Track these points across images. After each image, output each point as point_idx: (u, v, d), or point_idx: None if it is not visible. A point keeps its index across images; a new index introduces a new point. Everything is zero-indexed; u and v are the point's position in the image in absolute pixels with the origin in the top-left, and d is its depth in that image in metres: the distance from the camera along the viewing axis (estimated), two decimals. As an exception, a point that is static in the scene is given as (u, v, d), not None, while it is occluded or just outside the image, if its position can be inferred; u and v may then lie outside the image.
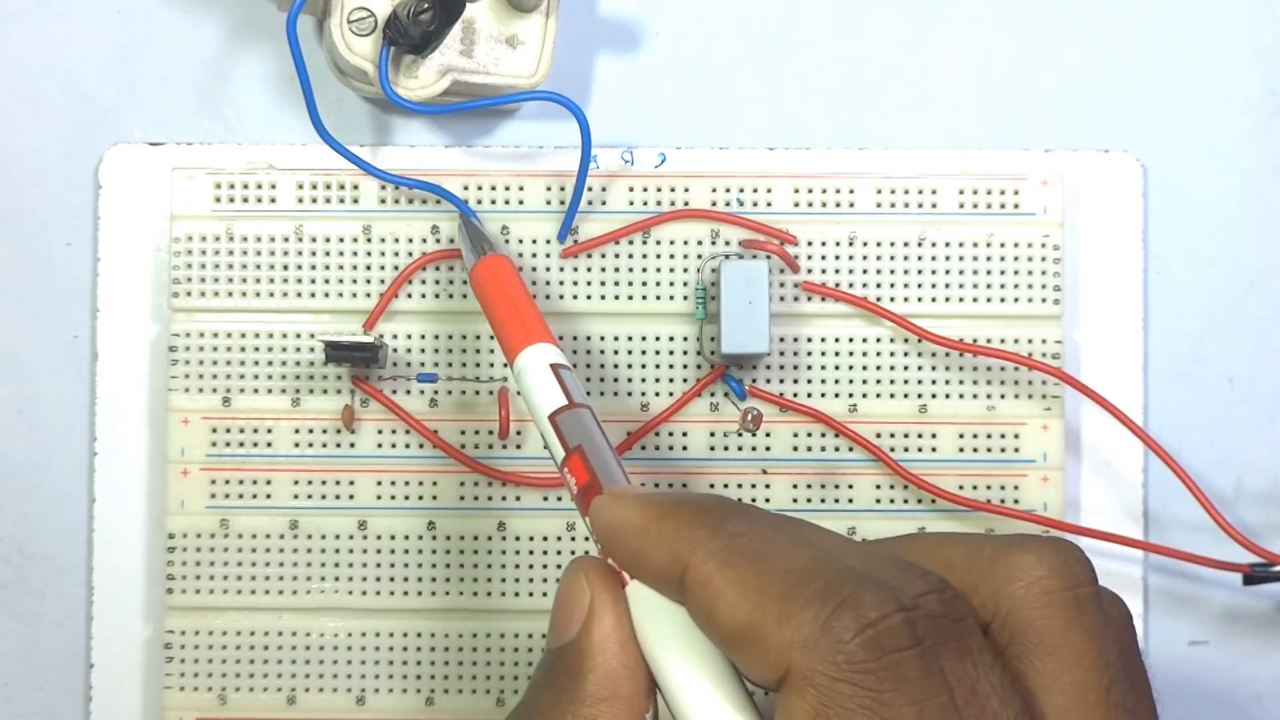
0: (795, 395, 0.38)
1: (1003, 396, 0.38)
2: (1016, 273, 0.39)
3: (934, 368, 0.38)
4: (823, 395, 0.38)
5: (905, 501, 0.38)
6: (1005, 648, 0.25)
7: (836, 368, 0.38)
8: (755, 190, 0.39)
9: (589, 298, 0.38)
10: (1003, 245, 0.39)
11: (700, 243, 0.38)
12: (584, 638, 0.27)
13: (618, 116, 0.39)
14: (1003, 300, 0.39)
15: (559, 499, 0.38)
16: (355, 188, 0.38)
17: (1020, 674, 0.25)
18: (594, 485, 0.30)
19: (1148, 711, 0.26)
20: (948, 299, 0.39)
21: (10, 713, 0.38)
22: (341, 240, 0.38)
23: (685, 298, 0.38)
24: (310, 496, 0.38)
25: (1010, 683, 0.25)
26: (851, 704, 0.23)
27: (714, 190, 0.39)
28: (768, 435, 0.38)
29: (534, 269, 0.38)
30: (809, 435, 0.38)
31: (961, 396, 0.38)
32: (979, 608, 0.26)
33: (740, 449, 0.38)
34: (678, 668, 0.26)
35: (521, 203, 0.38)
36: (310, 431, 0.38)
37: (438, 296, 0.38)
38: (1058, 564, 0.26)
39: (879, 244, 0.39)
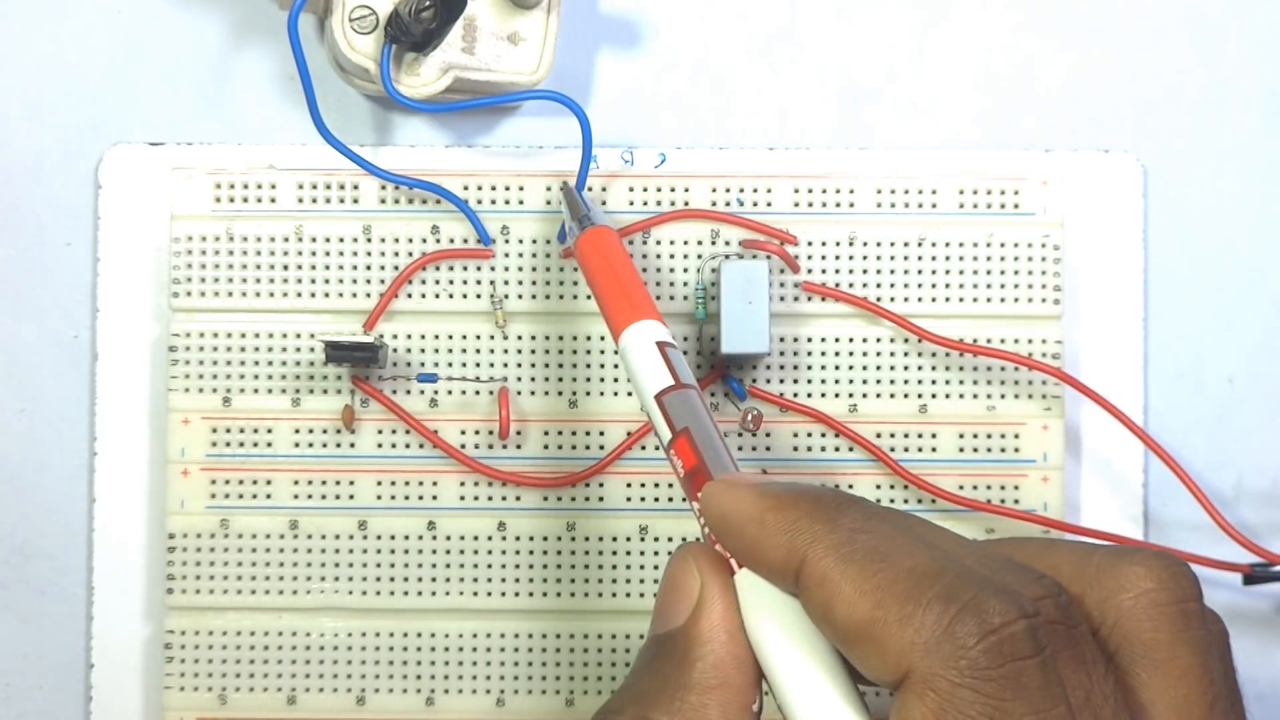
0: (795, 395, 0.38)
1: (1003, 396, 0.38)
2: (1016, 273, 0.39)
3: (934, 368, 0.38)
4: (823, 395, 0.38)
5: (905, 501, 0.38)
6: (1111, 658, 0.25)
7: (836, 368, 0.38)
8: (755, 190, 0.39)
9: (589, 298, 0.38)
10: (1003, 245, 0.39)
11: (700, 243, 0.38)
12: (693, 625, 0.27)
13: (618, 116, 0.39)
14: (1003, 300, 0.39)
15: (559, 499, 0.38)
16: (355, 187, 0.38)
17: (1126, 686, 0.25)
18: (701, 469, 0.29)
19: None
20: (948, 299, 0.39)
21: (10, 713, 0.38)
22: (341, 240, 0.38)
23: (685, 298, 0.38)
24: (310, 496, 0.38)
25: (1121, 693, 0.25)
26: (972, 710, 0.23)
27: (714, 190, 0.39)
28: (768, 435, 0.38)
29: (534, 269, 0.38)
30: (809, 435, 0.38)
31: (961, 396, 0.38)
32: (1086, 616, 0.26)
33: (740, 449, 0.38)
34: (787, 660, 0.26)
35: (521, 203, 0.38)
36: (310, 431, 0.38)
37: (438, 296, 0.38)
38: (1166, 577, 0.26)
39: (879, 244, 0.39)
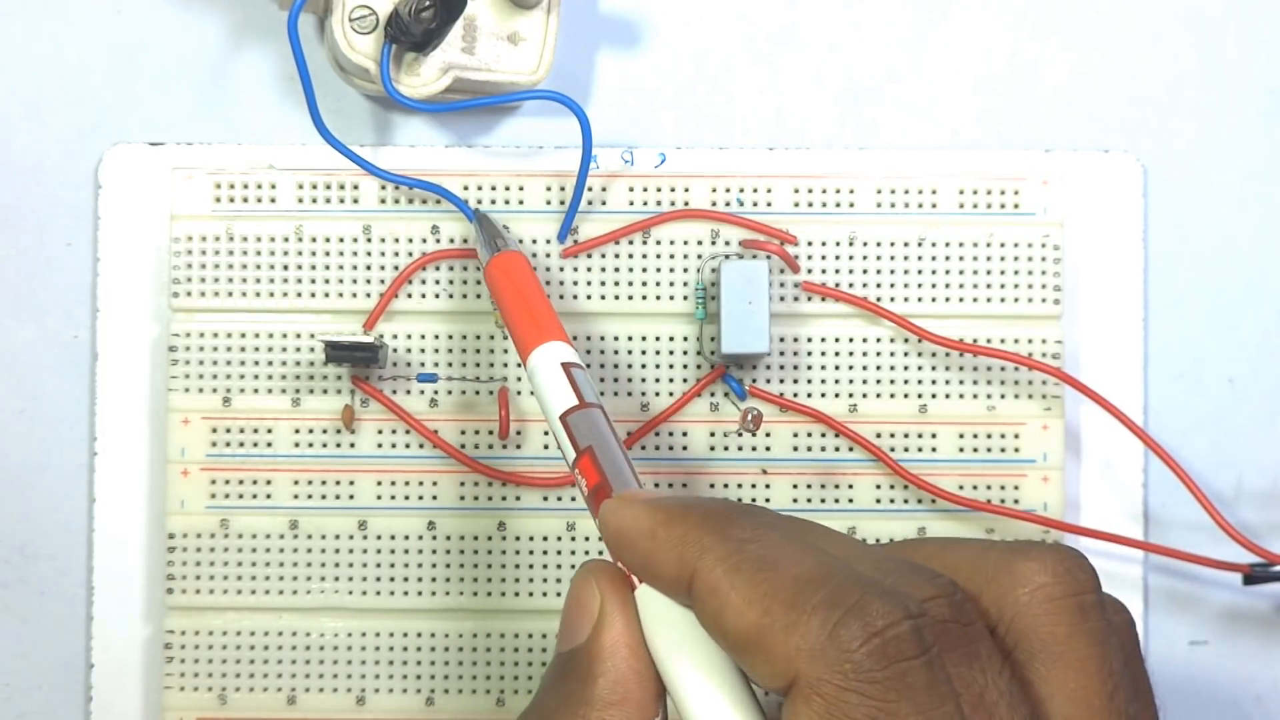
0: (795, 395, 0.38)
1: (1003, 396, 0.38)
2: (1016, 273, 0.39)
3: (934, 368, 0.38)
4: (823, 395, 0.38)
5: (905, 501, 0.38)
6: (1010, 654, 0.25)
7: (836, 368, 0.38)
8: (755, 190, 0.39)
9: (589, 298, 0.38)
10: (1003, 245, 0.39)
11: (700, 243, 0.38)
12: (594, 641, 0.27)
13: (618, 116, 0.39)
14: (1003, 300, 0.39)
15: (559, 499, 0.38)
16: (355, 187, 0.38)
17: (1025, 680, 0.25)
18: (604, 487, 0.30)
19: (1150, 717, 0.26)
20: (948, 299, 0.39)
21: (10, 713, 0.38)
22: (341, 240, 0.38)
23: (685, 298, 0.38)
24: (310, 496, 0.38)
25: (1018, 688, 0.25)
26: (858, 713, 0.23)
27: (714, 190, 0.39)
28: (768, 435, 0.38)
29: (534, 269, 0.38)
30: (809, 435, 0.38)
31: (961, 396, 0.38)
32: (984, 613, 0.26)
33: (740, 449, 0.38)
34: (687, 672, 0.26)
35: (521, 203, 0.38)
36: (310, 431, 0.38)
37: (438, 296, 0.38)
38: (1061, 571, 0.26)
39: (879, 244, 0.39)
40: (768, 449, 0.38)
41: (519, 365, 0.38)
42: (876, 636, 0.23)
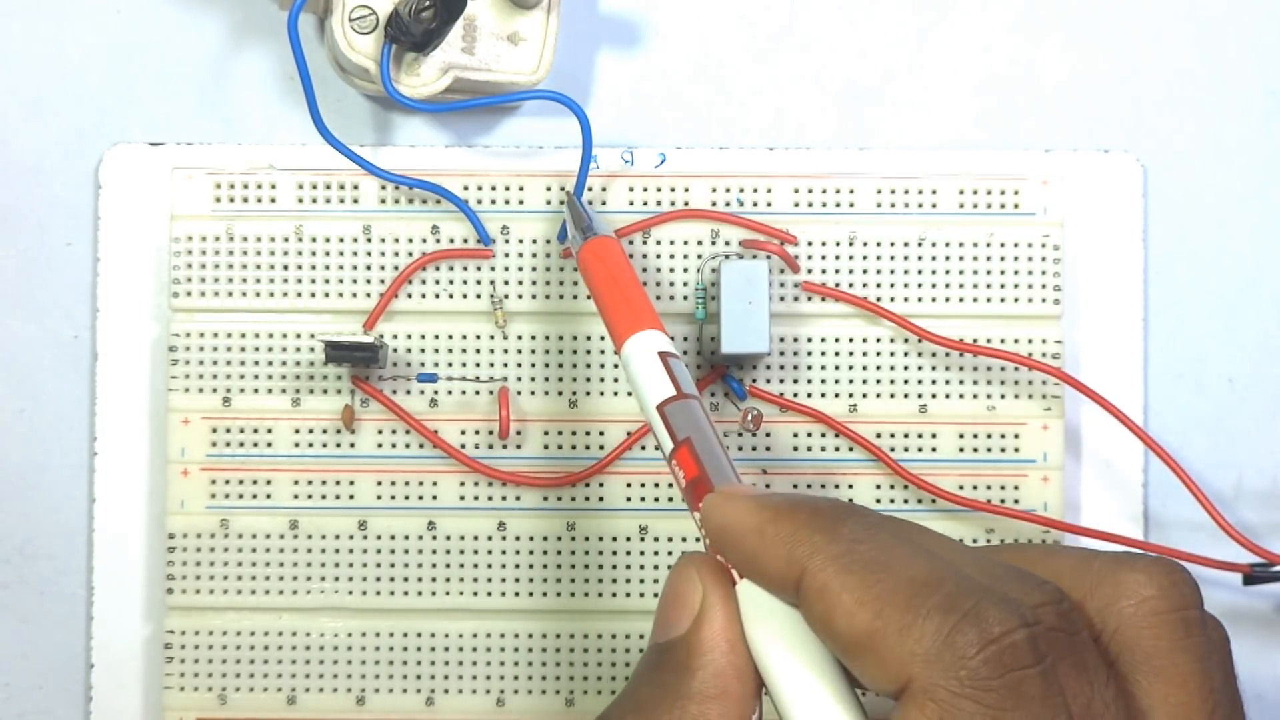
0: (795, 395, 0.38)
1: (1003, 396, 0.38)
2: (1016, 273, 0.39)
3: (934, 368, 0.38)
4: (823, 395, 0.38)
5: (905, 501, 0.38)
6: (1112, 665, 0.25)
7: (836, 368, 0.38)
8: (755, 190, 0.39)
9: (589, 298, 0.38)
10: (1003, 245, 0.39)
11: (700, 243, 0.38)
12: (694, 634, 0.27)
13: (618, 116, 0.39)
14: (1003, 300, 0.39)
15: (559, 499, 0.38)
16: (355, 188, 0.38)
17: (1127, 693, 0.25)
18: (703, 480, 0.29)
19: None
20: (948, 299, 0.39)
21: (10, 713, 0.38)
22: (341, 240, 0.38)
23: (685, 298, 0.38)
24: (310, 496, 0.38)
25: (1122, 701, 0.25)
26: None
27: (714, 190, 0.39)
28: (768, 435, 0.38)
29: (534, 269, 0.38)
30: (809, 435, 0.38)
31: (961, 396, 0.38)
32: (1087, 622, 0.25)
33: (740, 449, 0.38)
34: (788, 671, 0.26)
35: (521, 203, 0.38)
36: (310, 431, 0.38)
37: (438, 296, 0.38)
38: (1167, 584, 0.26)
39: (879, 244, 0.39)
40: (768, 449, 0.38)
41: (519, 365, 0.38)
42: (993, 644, 0.23)
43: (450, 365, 0.38)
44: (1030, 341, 0.38)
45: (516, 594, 0.38)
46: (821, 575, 0.25)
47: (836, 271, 0.39)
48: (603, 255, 0.35)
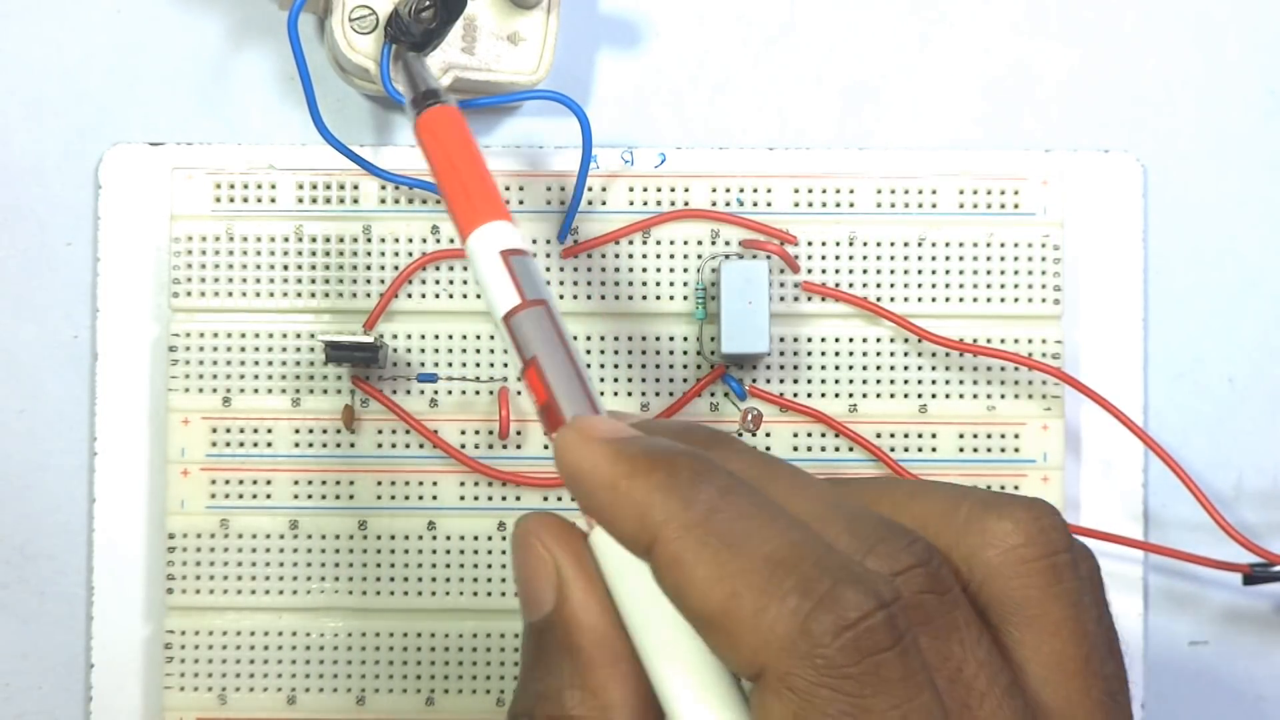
0: (795, 395, 0.38)
1: (1003, 396, 0.38)
2: (1016, 273, 0.39)
3: (934, 368, 0.38)
4: (823, 395, 0.38)
5: (905, 501, 0.38)
6: (982, 614, 0.25)
7: (836, 368, 0.38)
8: (755, 190, 0.39)
9: (589, 298, 0.38)
10: (1003, 245, 0.39)
11: (700, 243, 0.38)
12: (562, 609, 0.26)
13: (618, 116, 0.39)
14: (1003, 300, 0.39)
15: (559, 499, 0.38)
16: (355, 188, 0.38)
17: (1000, 644, 0.24)
18: (553, 407, 0.27)
19: (1121, 673, 0.25)
20: (948, 299, 0.39)
21: (10, 713, 0.38)
22: (341, 240, 0.38)
23: (685, 298, 0.38)
24: (310, 496, 0.38)
25: (998, 655, 0.24)
26: (832, 709, 0.22)
27: (714, 190, 0.39)
28: (768, 435, 0.38)
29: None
30: (809, 435, 0.38)
31: (961, 396, 0.38)
32: (954, 571, 0.25)
33: (740, 449, 0.38)
34: (652, 633, 0.24)
35: (521, 203, 0.38)
36: (310, 431, 0.38)
37: (438, 296, 0.38)
38: (1034, 531, 0.25)
39: (879, 244, 0.39)
40: (768, 449, 0.38)
41: (519, 365, 0.38)
42: (849, 629, 0.22)
43: (450, 365, 0.38)
44: (1030, 341, 0.38)
45: (516, 594, 0.38)
46: (674, 546, 0.24)
47: (836, 271, 0.39)
48: (441, 130, 0.32)
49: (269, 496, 0.38)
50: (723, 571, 0.23)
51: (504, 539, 0.38)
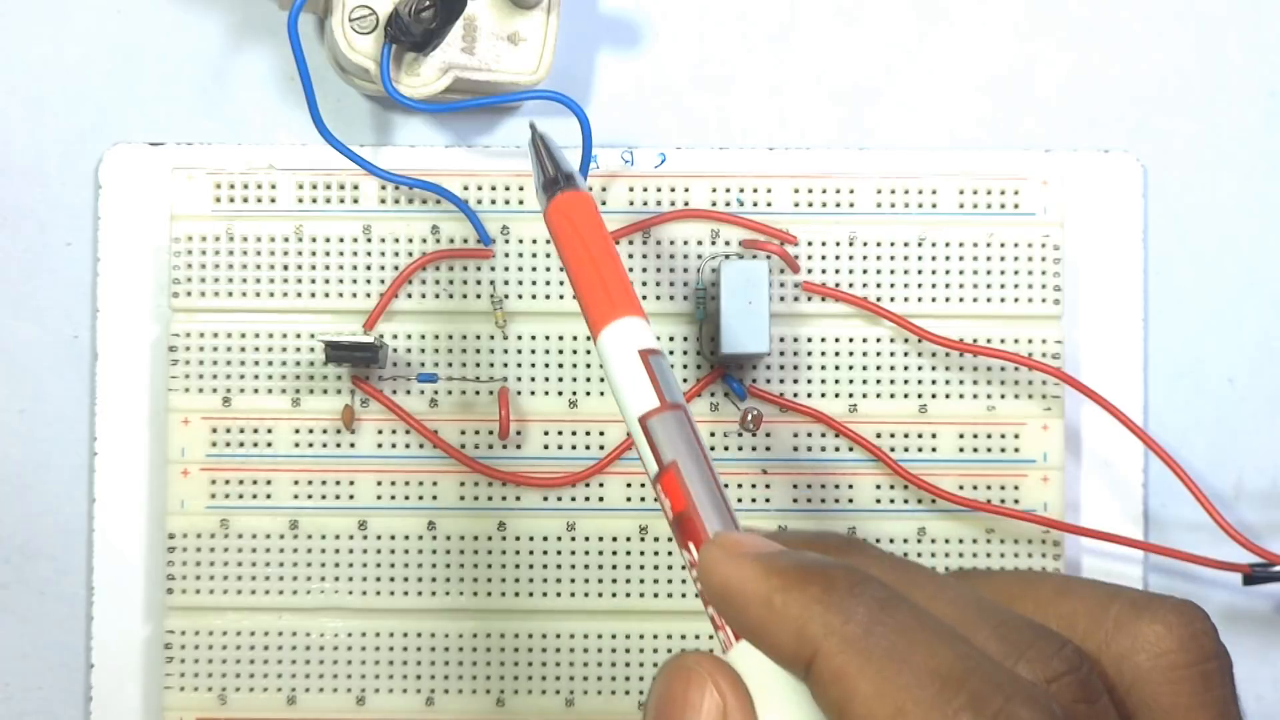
0: (795, 395, 0.38)
1: (1003, 396, 0.38)
2: (1016, 273, 0.39)
3: (934, 368, 0.38)
4: (823, 395, 0.38)
5: (905, 501, 0.38)
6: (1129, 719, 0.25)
7: (836, 368, 0.38)
8: (755, 190, 0.39)
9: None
10: (1003, 245, 0.39)
11: (700, 243, 0.38)
12: None
13: (618, 116, 0.39)
14: (1003, 300, 0.39)
15: (559, 499, 0.38)
16: (355, 188, 0.38)
17: None
18: (692, 516, 0.27)
19: None
20: (948, 299, 0.39)
21: (10, 713, 0.38)
22: (341, 240, 0.38)
23: (685, 298, 0.38)
24: (310, 496, 0.38)
25: None
26: None
27: (714, 190, 0.39)
28: (768, 435, 0.38)
29: (534, 269, 0.38)
30: (809, 435, 0.38)
31: (961, 396, 0.38)
32: (1103, 674, 0.25)
33: (740, 449, 0.38)
34: None
35: (521, 203, 0.38)
36: (310, 431, 0.38)
37: (438, 296, 0.38)
38: (1186, 636, 0.25)
39: (879, 244, 0.39)
40: (768, 449, 0.38)
41: (519, 365, 0.38)
42: None
43: (450, 365, 0.38)
44: (1030, 341, 0.38)
45: (516, 594, 0.38)
46: (837, 659, 0.23)
47: (836, 271, 0.39)
48: (577, 217, 0.31)
49: (269, 496, 0.38)
50: (888, 687, 0.23)
51: (504, 539, 0.38)
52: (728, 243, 0.38)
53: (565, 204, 0.31)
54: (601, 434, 0.38)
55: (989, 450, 0.38)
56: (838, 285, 0.38)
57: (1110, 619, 0.25)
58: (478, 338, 0.38)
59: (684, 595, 0.38)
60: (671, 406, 0.28)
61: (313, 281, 0.38)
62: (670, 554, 0.38)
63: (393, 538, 0.38)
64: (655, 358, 0.29)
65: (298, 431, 0.38)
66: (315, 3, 0.37)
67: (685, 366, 0.38)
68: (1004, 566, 0.38)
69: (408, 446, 0.38)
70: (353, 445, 0.38)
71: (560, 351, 0.38)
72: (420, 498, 0.38)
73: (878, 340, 0.38)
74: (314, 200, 0.38)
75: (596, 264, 0.30)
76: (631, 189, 0.39)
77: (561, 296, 0.38)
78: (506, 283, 0.38)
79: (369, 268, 0.38)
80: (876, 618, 0.23)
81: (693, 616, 0.38)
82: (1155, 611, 0.25)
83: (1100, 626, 0.25)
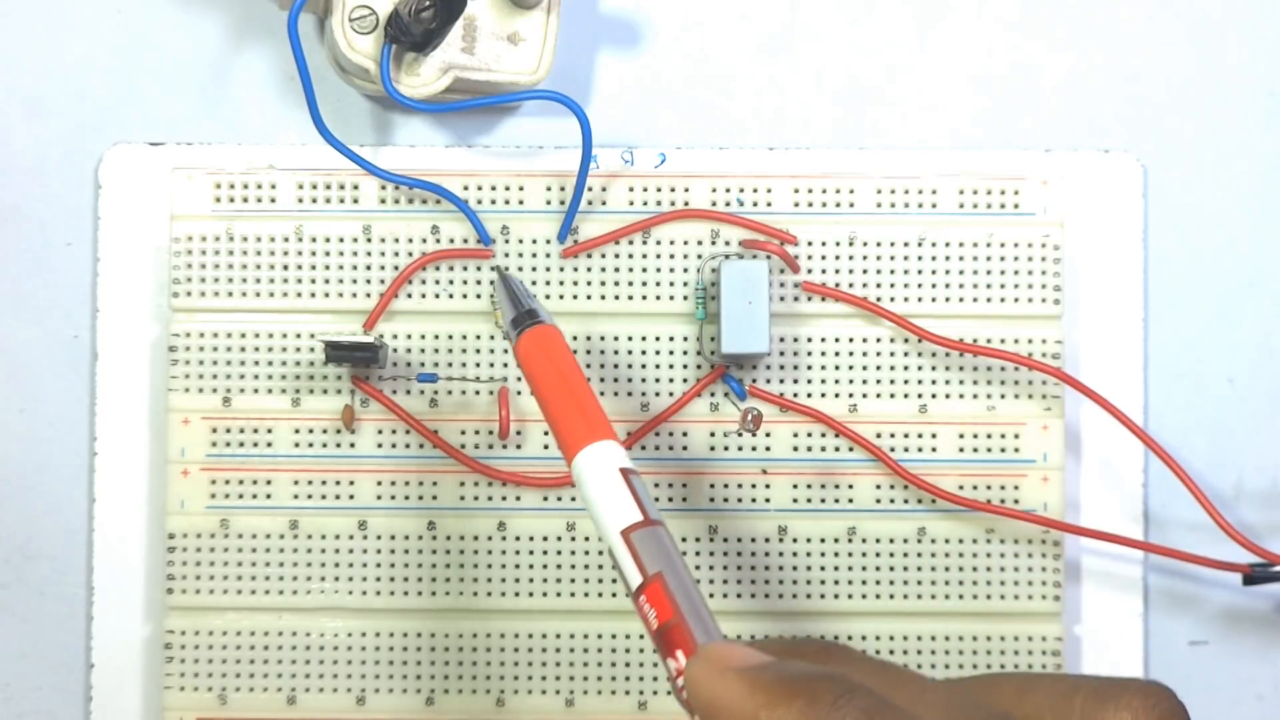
0: (795, 395, 0.38)
1: (1003, 396, 0.38)
2: (1016, 273, 0.39)
3: (934, 368, 0.38)
4: (823, 395, 0.38)
5: (905, 501, 0.38)
6: None
7: (836, 368, 0.38)
8: (755, 190, 0.39)
9: (589, 298, 0.38)
10: (1003, 245, 0.39)
11: (700, 243, 0.38)
12: None
13: (618, 116, 0.39)
14: (1003, 300, 0.39)
15: (559, 499, 0.38)
16: (355, 188, 0.38)
17: None
18: (679, 627, 0.27)
19: None
20: (948, 299, 0.39)
21: (10, 713, 0.38)
22: (341, 240, 0.38)
23: (685, 298, 0.38)
24: (310, 496, 0.38)
25: None
26: None
27: (714, 190, 0.39)
28: (768, 435, 0.38)
29: (534, 269, 0.38)
30: (809, 435, 0.38)
31: (961, 396, 0.38)
32: None
33: (740, 449, 0.38)
34: None
35: (521, 203, 0.38)
36: (310, 431, 0.38)
37: (438, 296, 0.38)
38: None
39: (879, 244, 0.39)
40: (768, 449, 0.38)
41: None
42: None
43: (450, 365, 0.38)
44: (1030, 341, 0.38)
45: (516, 594, 0.38)
46: None
47: (836, 271, 0.39)
48: (546, 349, 0.33)
49: (269, 496, 0.38)
50: None
51: (504, 539, 0.38)
52: (728, 243, 0.38)
53: (536, 337, 0.33)
54: (601, 434, 0.38)
55: (989, 450, 0.38)
56: (838, 285, 0.38)
57: (1076, 711, 0.26)
58: (478, 338, 0.38)
59: (684, 595, 0.38)
60: (653, 522, 0.29)
61: (313, 281, 0.38)
62: (670, 554, 0.38)
63: (393, 538, 0.38)
64: (635, 477, 0.30)
65: (298, 431, 0.38)
66: (315, 3, 0.37)
67: (685, 366, 0.38)
68: (1004, 566, 0.38)
69: (408, 446, 0.38)
70: (353, 445, 0.38)
71: (560, 351, 0.38)
72: (420, 498, 0.38)
73: (878, 340, 0.38)
74: (314, 200, 0.38)
75: (571, 391, 0.32)
76: (631, 189, 0.39)
77: (561, 297, 0.38)
78: (506, 283, 0.38)
79: (369, 268, 0.38)
80: None
81: (693, 616, 0.38)
82: (1120, 699, 0.26)
83: (1067, 719, 0.26)
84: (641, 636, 0.38)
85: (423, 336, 0.38)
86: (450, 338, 0.38)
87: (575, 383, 0.32)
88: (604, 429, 0.31)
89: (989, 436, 0.38)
